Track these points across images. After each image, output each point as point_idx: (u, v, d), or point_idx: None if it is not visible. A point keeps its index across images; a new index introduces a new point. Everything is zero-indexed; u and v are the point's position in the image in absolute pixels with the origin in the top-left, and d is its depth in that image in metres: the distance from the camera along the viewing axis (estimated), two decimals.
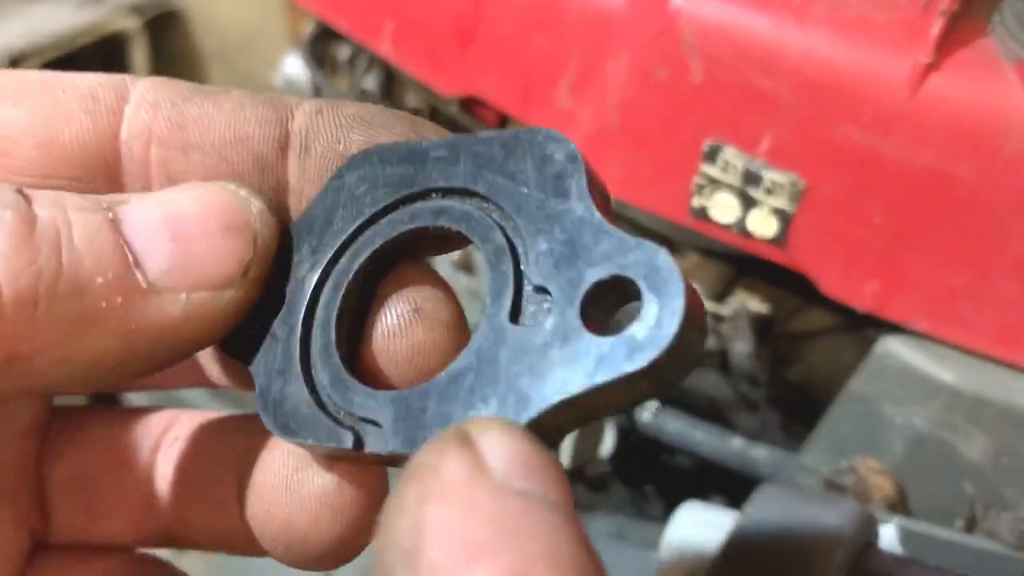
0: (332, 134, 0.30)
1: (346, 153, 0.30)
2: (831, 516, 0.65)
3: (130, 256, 0.27)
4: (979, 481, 0.76)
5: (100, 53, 2.13)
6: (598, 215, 0.26)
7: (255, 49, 2.07)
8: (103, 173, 0.31)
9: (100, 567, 0.35)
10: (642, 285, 0.24)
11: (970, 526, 0.77)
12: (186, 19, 2.21)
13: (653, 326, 0.23)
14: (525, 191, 0.27)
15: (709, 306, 0.87)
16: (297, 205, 0.31)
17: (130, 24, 2.14)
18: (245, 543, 0.33)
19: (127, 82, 0.31)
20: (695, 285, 0.90)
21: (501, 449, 0.22)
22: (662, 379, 0.24)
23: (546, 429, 0.25)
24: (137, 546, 0.36)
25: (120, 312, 0.26)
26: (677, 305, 0.23)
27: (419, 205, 0.29)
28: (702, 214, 0.80)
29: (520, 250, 0.27)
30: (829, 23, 0.74)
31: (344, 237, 0.30)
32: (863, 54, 0.73)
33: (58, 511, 0.34)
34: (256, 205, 0.29)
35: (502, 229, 0.27)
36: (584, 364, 0.24)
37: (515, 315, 0.26)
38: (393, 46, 1.00)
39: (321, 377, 0.29)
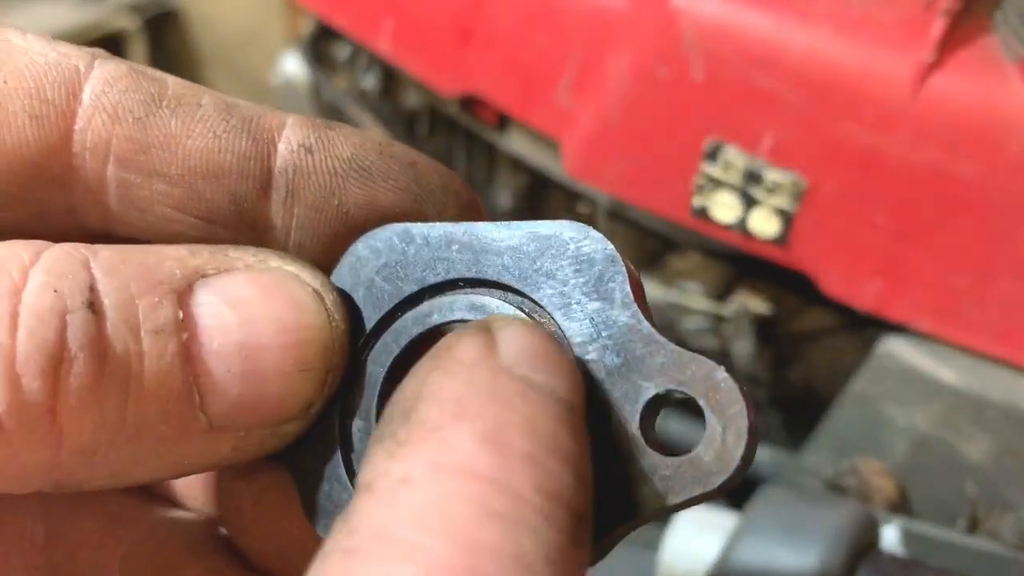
0: (324, 184, 0.27)
1: (340, 209, 0.27)
2: (833, 517, 0.65)
3: (197, 397, 0.24)
4: (981, 482, 0.76)
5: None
6: (647, 324, 0.25)
7: (254, 48, 2.06)
8: (54, 185, 0.26)
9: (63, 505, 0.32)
10: (704, 404, 0.23)
11: (972, 527, 0.77)
12: (185, 18, 2.21)
13: (720, 448, 0.23)
14: (564, 290, 0.26)
15: (711, 306, 0.87)
16: (280, 245, 0.28)
17: (129, 24, 2.14)
18: None
19: (80, 73, 0.26)
20: (696, 284, 0.91)
21: (515, 340, 0.23)
22: (722, 492, 0.23)
23: (615, 538, 0.25)
24: None
25: (174, 451, 0.24)
26: (743, 427, 0.23)
27: (448, 299, 0.27)
28: (703, 214, 0.80)
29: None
30: (831, 22, 0.74)
31: (370, 329, 0.28)
32: (865, 53, 0.73)
33: None
34: (337, 328, 0.26)
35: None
36: (653, 485, 0.24)
37: None
38: (392, 45, 1.00)
39: None
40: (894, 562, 0.66)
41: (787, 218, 0.77)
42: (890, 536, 0.72)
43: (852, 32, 0.73)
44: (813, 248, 0.77)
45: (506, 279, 0.26)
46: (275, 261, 0.26)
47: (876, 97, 0.72)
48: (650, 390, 0.24)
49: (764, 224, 0.78)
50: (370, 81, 1.15)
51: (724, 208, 0.79)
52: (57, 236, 0.25)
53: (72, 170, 0.26)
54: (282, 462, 0.27)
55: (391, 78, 1.15)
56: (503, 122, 0.97)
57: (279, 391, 0.25)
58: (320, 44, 1.20)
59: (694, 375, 0.24)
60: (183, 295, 0.24)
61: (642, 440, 0.24)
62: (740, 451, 0.23)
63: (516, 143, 0.97)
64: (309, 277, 0.26)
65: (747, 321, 0.86)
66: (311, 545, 0.24)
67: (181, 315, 0.24)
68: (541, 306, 0.26)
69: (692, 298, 0.88)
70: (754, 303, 0.86)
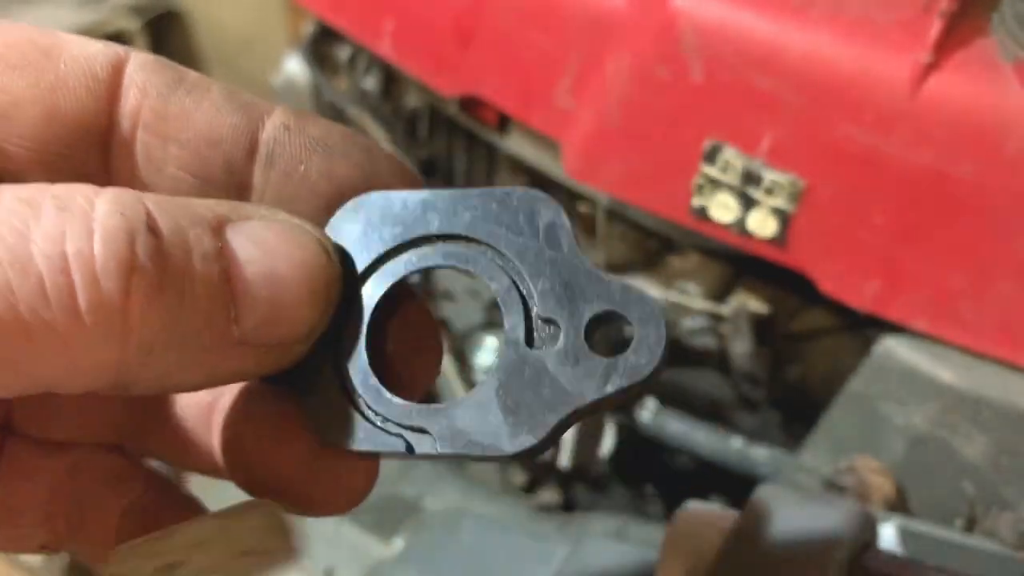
0: (295, 154, 0.33)
1: (306, 175, 0.33)
2: (831, 516, 0.65)
3: (233, 313, 0.29)
4: (979, 481, 0.76)
5: None
6: (588, 262, 0.32)
7: (255, 49, 2.07)
8: (96, 147, 0.32)
9: (67, 459, 0.37)
10: (634, 320, 0.31)
11: (970, 526, 0.77)
12: (186, 19, 2.21)
13: (647, 349, 0.31)
14: (521, 240, 0.33)
15: (709, 306, 0.87)
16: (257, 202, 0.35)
17: (130, 24, 2.14)
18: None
19: (122, 58, 0.32)
20: (695, 285, 0.91)
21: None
22: (644, 389, 0.32)
23: (559, 430, 0.31)
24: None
25: (210, 360, 0.29)
26: (663, 334, 0.31)
27: (425, 248, 0.34)
28: (702, 214, 0.80)
29: (523, 288, 0.33)
30: (829, 23, 0.74)
31: (358, 274, 0.34)
32: (863, 54, 0.73)
33: (16, 410, 0.36)
34: (335, 267, 0.31)
35: (504, 271, 0.33)
36: (595, 379, 0.31)
37: (529, 340, 0.32)
38: (393, 46, 1.00)
39: (364, 396, 0.33)
40: (892, 560, 0.66)
41: (785, 218, 0.77)
42: (888, 534, 0.73)
43: (850, 34, 0.74)
44: (811, 248, 0.77)
45: (473, 233, 0.33)
46: (282, 215, 0.31)
47: (874, 98, 0.73)
48: (591, 309, 0.32)
49: (762, 224, 0.78)
50: (371, 82, 1.15)
51: (723, 208, 0.79)
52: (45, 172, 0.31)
53: (112, 134, 0.33)
54: (285, 383, 0.33)
55: (392, 79, 1.15)
56: (503, 123, 0.97)
57: (293, 315, 0.30)
58: (321, 45, 1.20)
59: (625, 299, 0.31)
60: (217, 232, 0.29)
61: (587, 348, 0.31)
62: (661, 350, 0.31)
63: (516, 143, 0.97)
64: (310, 227, 0.32)
65: (745, 320, 0.86)
66: (302, 469, 0.32)
67: (218, 245, 0.29)
68: (503, 253, 0.33)
69: (691, 298, 0.89)
70: (752, 303, 0.87)
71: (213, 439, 0.36)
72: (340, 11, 1.07)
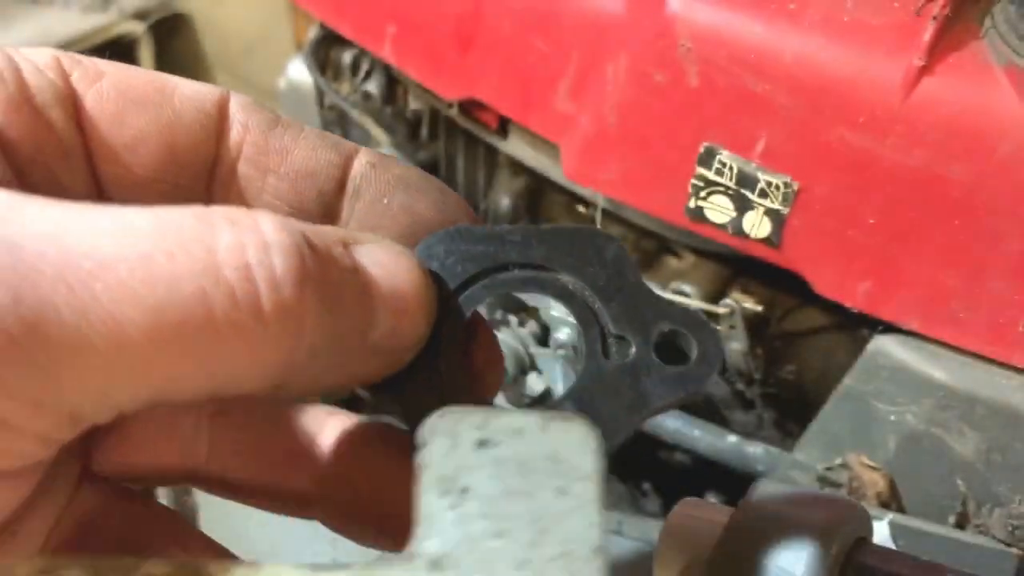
0: (380, 189, 0.38)
1: (388, 208, 0.38)
2: (825, 512, 0.66)
3: (370, 319, 0.32)
4: (971, 478, 0.77)
5: (107, 57, 2.15)
6: (650, 289, 0.37)
7: (259, 53, 2.08)
8: (202, 176, 0.37)
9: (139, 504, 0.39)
10: (694, 337, 0.36)
11: (962, 522, 0.78)
12: (191, 23, 2.22)
13: (706, 362, 0.36)
14: (592, 270, 0.37)
15: (705, 306, 0.88)
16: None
17: (135, 28, 2.15)
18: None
19: (225, 97, 0.37)
20: (691, 285, 0.91)
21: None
22: (704, 389, 0.37)
23: (635, 430, 0.35)
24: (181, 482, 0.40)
25: (352, 363, 0.32)
26: (720, 349, 0.36)
27: (504, 275, 0.38)
28: (698, 215, 0.81)
29: (595, 308, 0.37)
30: (823, 27, 0.75)
31: (447, 293, 0.37)
32: (857, 58, 0.74)
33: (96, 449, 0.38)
34: (434, 287, 0.35)
35: (578, 296, 0.37)
36: (668, 385, 0.36)
37: (605, 354, 0.36)
38: (394, 50, 1.01)
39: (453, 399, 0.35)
40: (886, 555, 0.67)
41: (780, 219, 0.78)
42: (882, 530, 0.73)
43: (843, 38, 0.74)
44: (805, 249, 0.78)
45: (548, 263, 0.37)
46: (387, 241, 0.34)
47: (867, 101, 0.73)
48: (660, 328, 0.36)
49: (757, 225, 0.79)
50: (373, 85, 1.16)
51: (718, 210, 0.80)
52: (164, 198, 0.36)
53: (217, 166, 0.37)
54: (387, 390, 0.35)
55: (393, 82, 1.16)
56: (503, 125, 0.98)
57: (409, 326, 0.33)
58: (324, 49, 1.21)
59: (687, 320, 0.37)
60: (348, 250, 0.32)
61: (658, 360, 0.36)
62: (719, 362, 0.36)
63: (516, 146, 0.98)
64: (410, 253, 0.35)
65: (741, 320, 0.87)
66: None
67: (356, 262, 0.32)
68: (575, 281, 0.37)
69: (687, 297, 0.90)
70: (748, 302, 0.88)
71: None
72: (342, 15, 1.09)
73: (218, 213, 0.28)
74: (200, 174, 0.36)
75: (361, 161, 0.38)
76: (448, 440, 0.28)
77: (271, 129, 0.37)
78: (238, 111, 0.36)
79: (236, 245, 0.28)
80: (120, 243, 0.26)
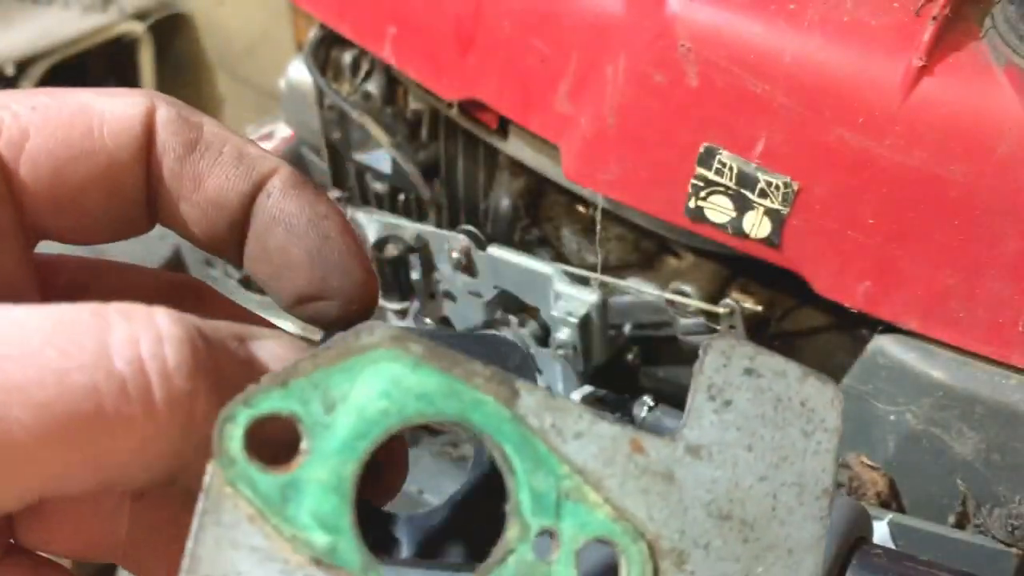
0: (264, 224, 0.36)
1: (266, 245, 0.36)
2: None
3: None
4: (970, 477, 0.77)
5: (106, 57, 2.15)
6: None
7: (260, 54, 2.08)
8: (144, 204, 0.36)
9: None
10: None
11: (962, 522, 0.78)
12: (191, 24, 2.22)
13: None
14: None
15: (705, 306, 0.89)
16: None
17: (136, 28, 2.15)
18: None
19: (151, 113, 0.35)
20: (691, 285, 0.91)
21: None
22: None
23: None
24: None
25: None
26: None
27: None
28: (698, 215, 0.81)
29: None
30: (823, 28, 0.75)
31: None
32: (856, 58, 0.74)
33: (21, 523, 0.37)
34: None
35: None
36: None
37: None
38: (394, 50, 1.01)
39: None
40: (886, 554, 0.67)
41: (779, 219, 0.78)
42: (881, 529, 0.74)
43: (843, 39, 0.75)
44: (805, 249, 0.78)
45: None
46: (287, 336, 0.33)
47: (867, 101, 0.74)
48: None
49: (757, 225, 0.79)
50: (373, 86, 1.16)
51: (718, 210, 0.80)
52: (114, 235, 0.36)
53: (151, 189, 0.36)
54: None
55: (394, 83, 1.16)
56: (503, 125, 0.99)
57: None
58: (324, 49, 1.21)
59: None
60: (244, 344, 0.31)
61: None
62: None
63: (516, 146, 0.98)
64: (305, 346, 0.34)
65: (740, 320, 0.87)
66: None
67: (250, 356, 0.31)
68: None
69: (687, 297, 0.90)
70: (747, 302, 0.88)
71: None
72: (343, 16, 1.09)
73: (113, 308, 0.28)
74: (140, 196, 0.36)
75: (265, 191, 0.36)
76: (722, 359, 0.31)
77: (188, 154, 0.35)
78: (162, 129, 0.35)
79: (129, 338, 0.27)
80: (9, 339, 0.26)
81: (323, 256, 0.36)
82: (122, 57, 2.16)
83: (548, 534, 0.29)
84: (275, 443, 0.28)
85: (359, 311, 0.37)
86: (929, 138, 0.72)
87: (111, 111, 0.35)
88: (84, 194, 0.34)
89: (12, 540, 0.37)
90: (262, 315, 0.41)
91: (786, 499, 0.30)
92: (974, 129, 0.71)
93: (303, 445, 0.28)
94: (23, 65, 1.99)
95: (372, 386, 0.28)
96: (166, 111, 0.35)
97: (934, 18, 0.73)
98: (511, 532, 0.29)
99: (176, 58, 2.20)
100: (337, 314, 0.36)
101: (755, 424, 0.31)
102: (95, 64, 2.12)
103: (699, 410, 0.31)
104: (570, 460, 0.29)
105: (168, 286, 0.40)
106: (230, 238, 0.36)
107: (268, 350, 0.32)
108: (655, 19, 0.79)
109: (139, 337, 0.27)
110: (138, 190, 0.35)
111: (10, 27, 2.06)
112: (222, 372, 0.29)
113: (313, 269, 0.36)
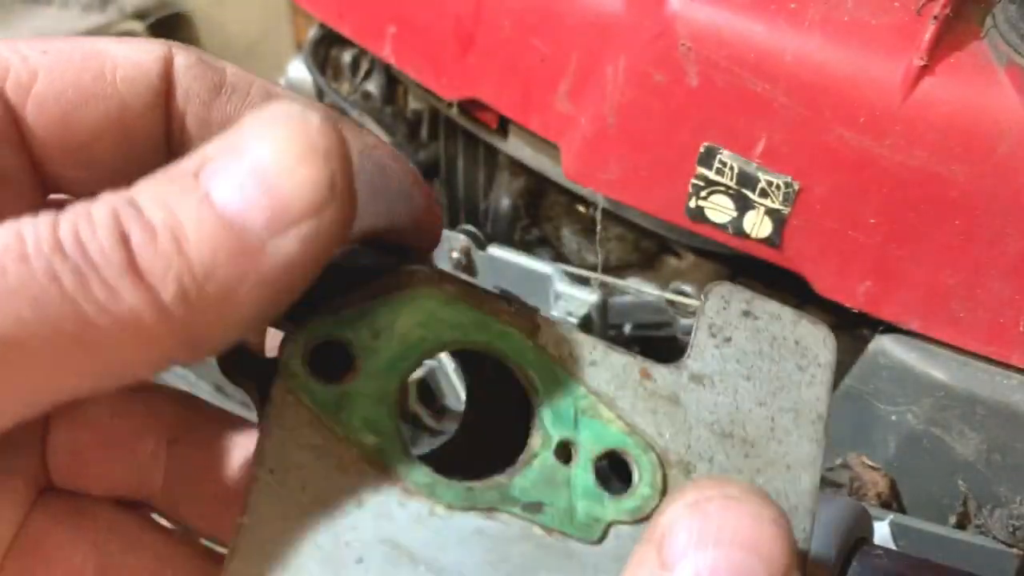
0: None
1: None
2: (826, 511, 0.66)
3: (235, 227, 0.28)
4: (971, 478, 0.77)
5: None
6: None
7: (260, 53, 2.08)
8: (163, 152, 0.34)
9: (105, 518, 0.36)
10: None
11: (963, 522, 0.78)
12: (191, 23, 2.22)
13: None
14: None
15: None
16: None
17: (135, 28, 2.15)
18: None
19: (169, 60, 0.33)
20: (691, 285, 0.91)
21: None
22: None
23: None
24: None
25: (252, 275, 0.28)
26: None
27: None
28: (698, 215, 0.81)
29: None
30: (823, 27, 0.75)
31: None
32: (857, 58, 0.74)
33: (55, 456, 0.36)
34: (314, 122, 0.29)
35: None
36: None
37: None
38: (394, 50, 1.01)
39: None
40: (887, 554, 0.67)
41: (780, 219, 0.78)
42: (882, 530, 0.73)
43: (844, 38, 0.74)
44: (805, 249, 0.78)
45: None
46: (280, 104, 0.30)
47: (868, 101, 0.74)
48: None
49: (758, 225, 0.79)
50: (373, 85, 1.16)
51: (719, 210, 0.80)
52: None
53: (170, 137, 0.34)
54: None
55: (393, 82, 1.16)
56: (503, 125, 0.98)
57: (294, 185, 0.28)
58: (324, 49, 1.21)
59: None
60: (198, 171, 0.29)
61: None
62: None
63: (516, 146, 0.98)
64: (292, 106, 0.30)
65: None
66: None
67: (193, 172, 0.28)
68: None
69: (687, 297, 0.90)
70: None
71: None
72: (343, 15, 1.09)
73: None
74: (159, 147, 0.34)
75: None
76: (722, 302, 0.34)
77: (214, 98, 0.34)
78: (182, 75, 0.34)
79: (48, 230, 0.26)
80: None
81: (385, 186, 0.34)
82: None
83: (567, 444, 0.32)
84: (332, 366, 0.30)
85: (428, 238, 0.36)
86: (930, 138, 0.72)
87: (125, 56, 0.33)
88: (95, 140, 0.33)
89: (49, 484, 0.36)
90: None
91: (783, 422, 0.33)
92: (975, 129, 0.71)
93: (355, 364, 0.31)
94: None
95: (412, 318, 0.32)
96: (185, 57, 0.34)
97: (935, 18, 0.73)
98: (534, 440, 0.32)
99: None
100: (403, 242, 0.35)
101: (753, 358, 0.34)
102: None
103: (701, 345, 0.34)
104: (587, 383, 0.33)
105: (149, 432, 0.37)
106: None
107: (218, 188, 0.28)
108: (655, 18, 0.78)
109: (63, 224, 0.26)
110: (154, 139, 0.34)
111: (9, 27, 2.06)
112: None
113: (377, 202, 0.34)
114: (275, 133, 0.28)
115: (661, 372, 0.33)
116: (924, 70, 0.72)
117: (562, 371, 0.33)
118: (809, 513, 0.33)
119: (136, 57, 0.33)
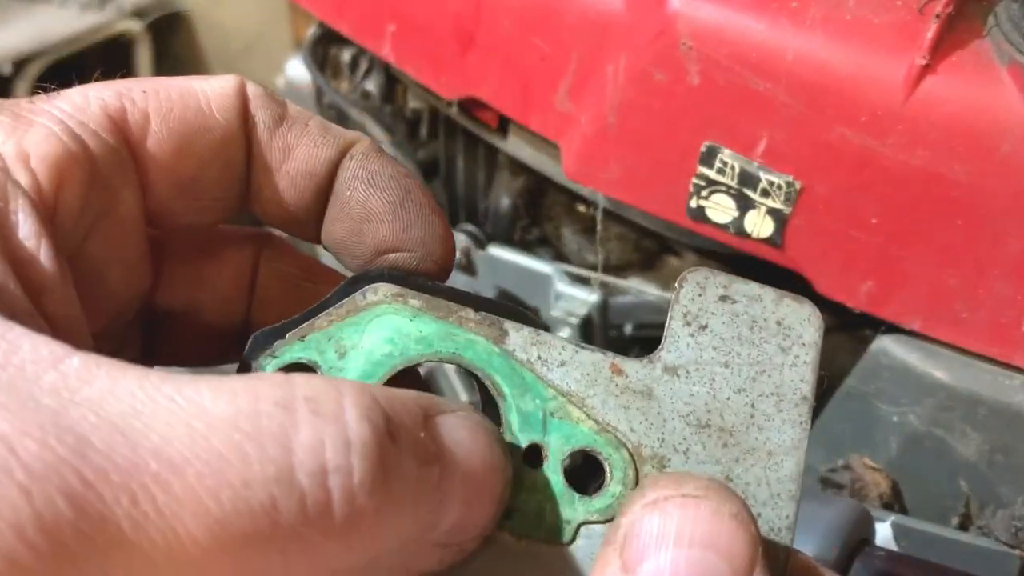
0: (345, 182, 0.37)
1: (347, 200, 0.37)
2: (827, 513, 0.66)
3: (437, 514, 0.28)
4: (974, 479, 0.77)
5: (104, 55, 2.14)
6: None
7: (258, 52, 2.08)
8: (244, 182, 0.37)
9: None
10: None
11: (965, 523, 0.78)
12: (189, 22, 2.22)
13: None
14: None
15: None
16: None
17: (134, 27, 2.15)
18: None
19: (243, 90, 0.36)
20: None
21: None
22: None
23: None
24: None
25: (409, 560, 0.29)
26: None
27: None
28: (699, 214, 0.81)
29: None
30: (825, 26, 0.75)
31: None
32: (859, 56, 0.74)
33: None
34: (510, 468, 0.31)
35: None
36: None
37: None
38: (394, 49, 1.01)
39: None
40: (888, 556, 0.67)
41: (782, 219, 0.78)
42: (884, 531, 0.73)
43: (845, 37, 0.74)
44: (807, 249, 0.78)
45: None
46: (466, 409, 0.31)
47: (870, 100, 0.73)
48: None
49: (759, 225, 0.79)
50: (372, 84, 1.16)
51: (720, 209, 0.80)
52: (218, 216, 0.37)
53: (246, 161, 0.37)
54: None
55: (393, 81, 1.16)
56: (503, 124, 0.98)
57: (478, 517, 0.30)
58: (323, 47, 1.21)
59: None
60: (431, 430, 0.29)
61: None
62: None
63: (516, 145, 0.98)
64: (491, 425, 0.32)
65: None
66: None
67: (437, 448, 0.29)
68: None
69: None
70: None
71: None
72: (342, 14, 1.08)
73: (300, 396, 0.26)
74: (244, 172, 0.36)
75: (349, 155, 0.37)
76: (697, 288, 0.34)
77: (277, 126, 0.36)
78: (252, 104, 0.36)
79: (314, 444, 0.25)
80: (192, 437, 0.24)
81: (405, 207, 0.36)
82: (120, 56, 2.16)
83: (537, 447, 0.33)
84: None
85: (439, 266, 0.37)
86: (932, 137, 0.72)
87: (211, 88, 0.36)
88: (204, 170, 0.35)
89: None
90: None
91: (764, 408, 0.32)
92: (977, 128, 0.71)
93: None
94: (20, 64, 1.98)
95: (378, 335, 0.33)
96: (254, 88, 0.36)
97: (937, 16, 0.72)
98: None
99: (174, 57, 2.20)
100: (417, 266, 0.36)
101: (731, 344, 0.33)
102: (92, 63, 2.11)
103: (675, 335, 0.33)
104: (555, 385, 0.33)
105: (248, 241, 0.41)
106: (315, 207, 0.37)
107: (452, 433, 0.29)
108: (656, 17, 0.78)
109: (324, 442, 0.25)
110: (243, 166, 0.36)
111: (7, 26, 2.06)
112: (409, 476, 0.27)
113: (396, 219, 0.36)
114: (483, 456, 0.30)
115: (633, 367, 0.33)
116: (926, 69, 0.72)
117: (530, 375, 0.33)
118: (792, 500, 0.32)
119: (220, 88, 0.36)
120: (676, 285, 0.34)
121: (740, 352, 0.33)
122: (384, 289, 0.34)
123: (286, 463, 0.25)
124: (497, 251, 0.99)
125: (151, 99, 0.34)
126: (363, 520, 0.26)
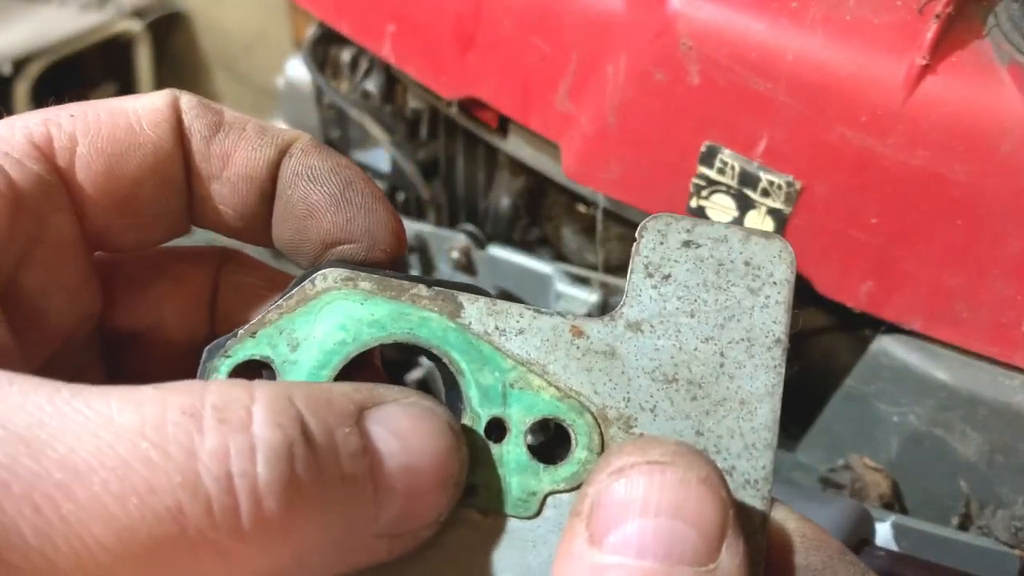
0: (287, 180, 0.37)
1: (290, 198, 0.37)
2: (828, 513, 0.66)
3: (374, 510, 0.29)
4: (974, 479, 0.77)
5: (104, 55, 2.14)
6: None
7: (258, 52, 2.08)
8: (185, 194, 0.37)
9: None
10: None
11: (965, 523, 0.78)
12: (189, 22, 2.22)
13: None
14: None
15: None
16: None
17: (133, 27, 2.15)
18: None
19: (177, 104, 0.36)
20: None
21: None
22: None
23: None
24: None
25: (349, 556, 0.29)
26: None
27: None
28: (699, 214, 0.81)
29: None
30: (825, 26, 0.75)
31: None
32: (859, 56, 0.74)
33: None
34: (465, 452, 0.31)
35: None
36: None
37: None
38: (394, 49, 1.01)
39: None
40: (888, 556, 0.67)
41: (782, 219, 0.78)
42: (884, 531, 0.73)
43: (846, 37, 0.74)
44: (808, 249, 0.78)
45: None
46: (413, 397, 0.31)
47: (870, 100, 0.73)
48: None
49: (759, 225, 0.79)
50: (372, 84, 1.16)
51: (720, 209, 0.80)
52: (163, 233, 0.37)
53: (190, 177, 0.37)
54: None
55: (393, 81, 1.16)
56: (503, 124, 0.98)
57: (426, 505, 0.30)
58: (323, 47, 1.21)
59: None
60: (359, 423, 0.29)
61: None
62: None
63: (516, 145, 0.98)
64: (440, 410, 0.31)
65: None
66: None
67: (364, 443, 0.29)
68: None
69: None
70: None
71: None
72: (342, 14, 1.08)
73: (208, 404, 0.26)
74: (183, 185, 0.37)
75: (288, 154, 0.37)
76: (658, 237, 0.32)
77: (214, 134, 0.36)
78: (186, 115, 0.37)
79: (219, 450, 0.25)
80: (98, 446, 0.25)
81: (347, 198, 0.36)
82: (119, 56, 2.16)
83: (499, 421, 0.32)
84: None
85: (388, 255, 0.37)
86: (932, 137, 0.72)
87: (142, 105, 0.36)
88: (138, 187, 0.35)
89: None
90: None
91: (734, 355, 0.31)
92: (977, 128, 0.71)
93: (278, 379, 0.31)
94: (20, 64, 1.98)
95: (330, 322, 0.32)
96: (187, 99, 0.37)
97: (937, 16, 0.72)
98: (463, 423, 0.32)
99: (174, 57, 2.19)
100: (365, 256, 0.36)
101: (697, 291, 0.32)
102: (92, 63, 2.11)
103: (636, 289, 0.32)
104: (514, 355, 0.32)
105: (206, 258, 0.41)
106: (261, 211, 0.37)
107: (389, 423, 0.29)
108: (656, 17, 0.78)
109: (229, 448, 0.26)
110: (181, 179, 0.36)
111: (6, 26, 2.06)
112: (327, 478, 0.27)
113: (338, 211, 0.36)
114: (432, 445, 0.30)
115: (595, 327, 0.32)
116: (926, 69, 0.72)
117: (488, 347, 0.32)
118: (768, 448, 0.31)
119: (151, 103, 0.36)
120: (637, 235, 0.32)
121: (707, 299, 0.32)
122: (333, 274, 0.33)
123: (191, 469, 0.25)
124: (497, 251, 0.99)
125: (78, 122, 0.34)
126: (274, 524, 0.26)
